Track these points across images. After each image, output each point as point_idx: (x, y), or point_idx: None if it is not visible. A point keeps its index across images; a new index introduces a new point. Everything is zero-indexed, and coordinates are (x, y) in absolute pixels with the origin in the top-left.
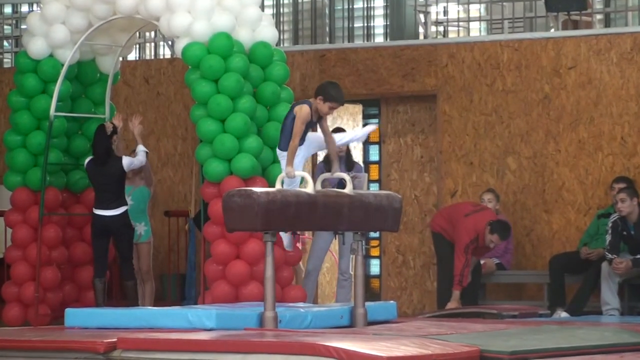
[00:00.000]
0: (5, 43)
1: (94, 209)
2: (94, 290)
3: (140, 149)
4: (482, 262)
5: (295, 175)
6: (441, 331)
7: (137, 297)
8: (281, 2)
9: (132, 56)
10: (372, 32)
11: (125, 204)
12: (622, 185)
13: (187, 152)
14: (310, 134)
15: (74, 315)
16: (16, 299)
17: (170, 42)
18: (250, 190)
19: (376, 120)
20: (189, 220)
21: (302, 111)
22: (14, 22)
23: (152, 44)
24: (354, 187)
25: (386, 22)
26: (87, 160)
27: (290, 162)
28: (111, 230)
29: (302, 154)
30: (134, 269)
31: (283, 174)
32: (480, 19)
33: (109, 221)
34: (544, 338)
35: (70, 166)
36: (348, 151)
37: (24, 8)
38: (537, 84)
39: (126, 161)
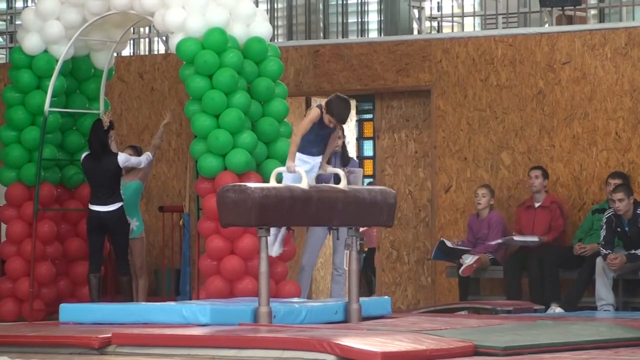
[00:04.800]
0: None
1: (89, 204)
2: (89, 285)
3: (148, 154)
4: (476, 257)
5: (296, 171)
6: (435, 326)
7: (132, 293)
8: None
9: (127, 52)
10: (366, 27)
11: (121, 199)
12: (618, 182)
13: (181, 147)
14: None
15: (69, 311)
16: (11, 294)
17: (164, 38)
18: (245, 185)
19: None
20: (183, 215)
21: (312, 111)
22: (9, 17)
23: (147, 40)
24: (349, 183)
25: (380, 17)
26: (83, 156)
27: (291, 156)
28: (107, 225)
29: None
30: (129, 265)
31: (282, 169)
32: (474, 14)
33: (104, 216)
34: (539, 333)
35: (65, 161)
36: (344, 146)
37: (19, 4)
38: (531, 79)
39: (122, 157)
